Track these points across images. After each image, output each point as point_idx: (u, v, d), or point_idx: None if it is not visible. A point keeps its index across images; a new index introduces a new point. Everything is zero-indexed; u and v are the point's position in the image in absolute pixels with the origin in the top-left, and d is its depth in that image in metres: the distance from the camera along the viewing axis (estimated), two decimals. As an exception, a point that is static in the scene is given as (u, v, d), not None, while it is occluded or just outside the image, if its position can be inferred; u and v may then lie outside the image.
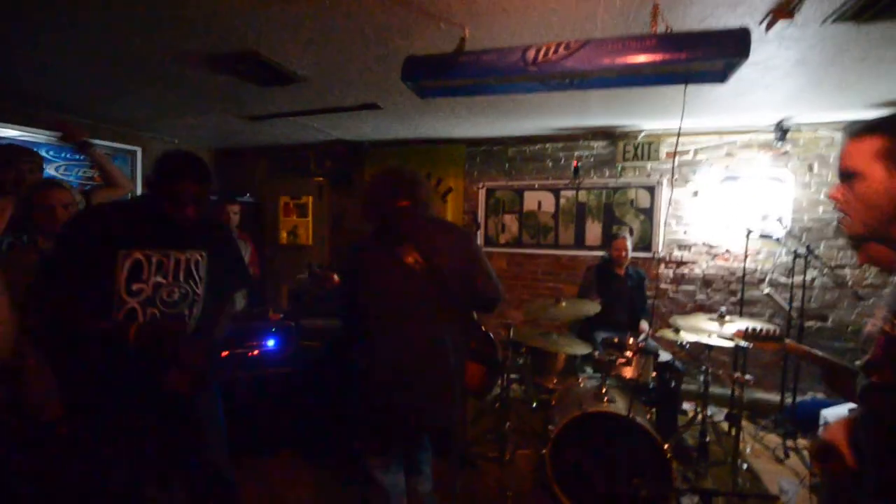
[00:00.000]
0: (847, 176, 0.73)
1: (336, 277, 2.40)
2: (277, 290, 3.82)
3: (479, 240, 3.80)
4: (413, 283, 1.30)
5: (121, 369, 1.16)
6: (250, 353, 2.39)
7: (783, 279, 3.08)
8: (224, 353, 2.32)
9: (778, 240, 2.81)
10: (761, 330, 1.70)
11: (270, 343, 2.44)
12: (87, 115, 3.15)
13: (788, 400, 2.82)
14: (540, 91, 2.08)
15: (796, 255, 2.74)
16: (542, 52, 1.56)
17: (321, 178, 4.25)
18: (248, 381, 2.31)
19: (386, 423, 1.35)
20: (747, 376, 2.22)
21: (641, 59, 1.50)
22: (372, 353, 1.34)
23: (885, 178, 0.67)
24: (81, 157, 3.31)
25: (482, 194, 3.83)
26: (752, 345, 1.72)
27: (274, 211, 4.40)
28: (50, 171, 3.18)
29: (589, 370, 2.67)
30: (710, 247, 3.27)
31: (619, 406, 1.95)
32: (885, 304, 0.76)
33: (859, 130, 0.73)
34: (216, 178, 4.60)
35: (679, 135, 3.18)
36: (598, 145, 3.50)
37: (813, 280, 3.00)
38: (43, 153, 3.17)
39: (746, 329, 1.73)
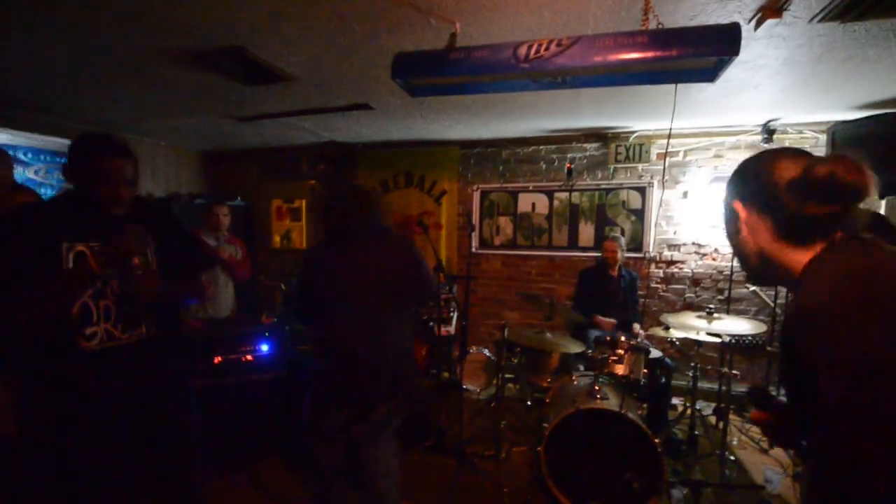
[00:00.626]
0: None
1: (283, 286, 2.55)
2: (270, 294, 3.78)
3: (474, 242, 3.83)
4: (366, 278, 1.57)
5: (82, 378, 1.13)
6: (244, 358, 2.38)
7: (769, 277, 3.16)
8: (217, 359, 2.30)
9: (764, 239, 2.87)
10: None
11: (264, 348, 2.43)
12: (67, 117, 3.06)
13: (774, 393, 2.89)
14: (532, 89, 2.09)
15: (781, 254, 2.81)
16: (533, 49, 1.58)
17: (314, 181, 4.23)
18: (242, 385, 2.30)
19: (342, 375, 1.56)
20: (734, 371, 2.28)
21: (633, 55, 1.52)
22: (334, 331, 1.59)
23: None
24: (62, 160, 3.22)
25: (476, 196, 3.85)
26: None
27: (266, 215, 4.36)
28: (29, 174, 3.10)
29: (582, 368, 2.70)
30: (699, 246, 3.34)
31: (612, 402, 1.99)
32: None
33: None
34: (206, 182, 4.58)
35: (670, 136, 3.24)
36: (591, 147, 3.55)
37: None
38: (20, 156, 3.09)
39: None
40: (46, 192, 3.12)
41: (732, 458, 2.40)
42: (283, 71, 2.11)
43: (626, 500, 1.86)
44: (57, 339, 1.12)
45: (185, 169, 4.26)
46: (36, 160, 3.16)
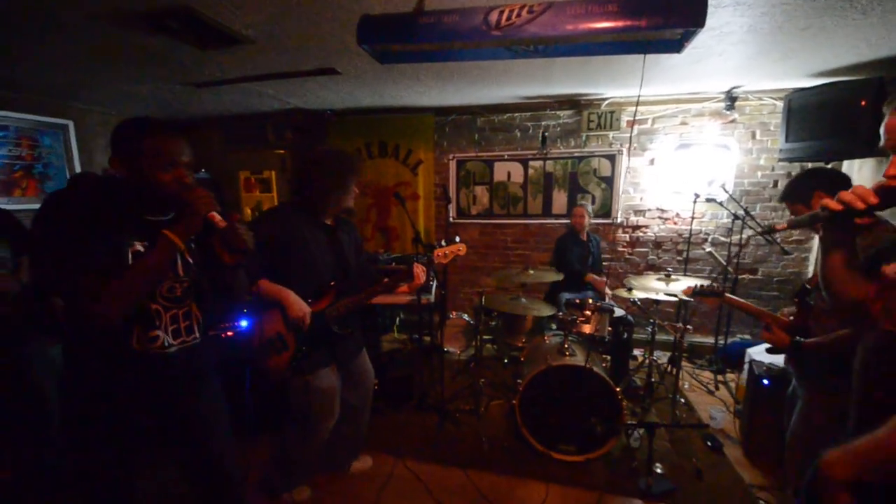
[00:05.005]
0: None
1: None
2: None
3: (452, 212, 3.87)
4: None
5: (123, 364, 1.07)
6: (223, 335, 2.40)
7: (723, 238, 3.42)
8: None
9: (721, 203, 3.08)
10: (705, 287, 1.97)
11: (244, 324, 2.45)
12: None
13: (721, 342, 3.24)
14: (505, 58, 2.07)
15: (735, 217, 3.04)
16: (504, 15, 1.56)
17: (283, 151, 4.07)
18: (224, 361, 2.33)
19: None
20: (687, 326, 2.54)
21: (603, 24, 1.54)
22: None
23: None
24: (3, 134, 2.94)
25: (453, 166, 3.84)
26: (698, 300, 2.00)
27: (234, 187, 4.20)
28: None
29: (554, 328, 2.92)
30: (662, 211, 3.54)
31: (579, 358, 2.20)
32: None
33: None
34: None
35: (638, 103, 3.31)
36: (565, 114, 3.57)
37: (748, 238, 3.36)
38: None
39: (694, 287, 1.99)
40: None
41: (683, 400, 2.73)
42: (239, 33, 1.97)
43: (590, 441, 2.12)
44: (125, 335, 1.05)
45: (142, 140, 3.98)
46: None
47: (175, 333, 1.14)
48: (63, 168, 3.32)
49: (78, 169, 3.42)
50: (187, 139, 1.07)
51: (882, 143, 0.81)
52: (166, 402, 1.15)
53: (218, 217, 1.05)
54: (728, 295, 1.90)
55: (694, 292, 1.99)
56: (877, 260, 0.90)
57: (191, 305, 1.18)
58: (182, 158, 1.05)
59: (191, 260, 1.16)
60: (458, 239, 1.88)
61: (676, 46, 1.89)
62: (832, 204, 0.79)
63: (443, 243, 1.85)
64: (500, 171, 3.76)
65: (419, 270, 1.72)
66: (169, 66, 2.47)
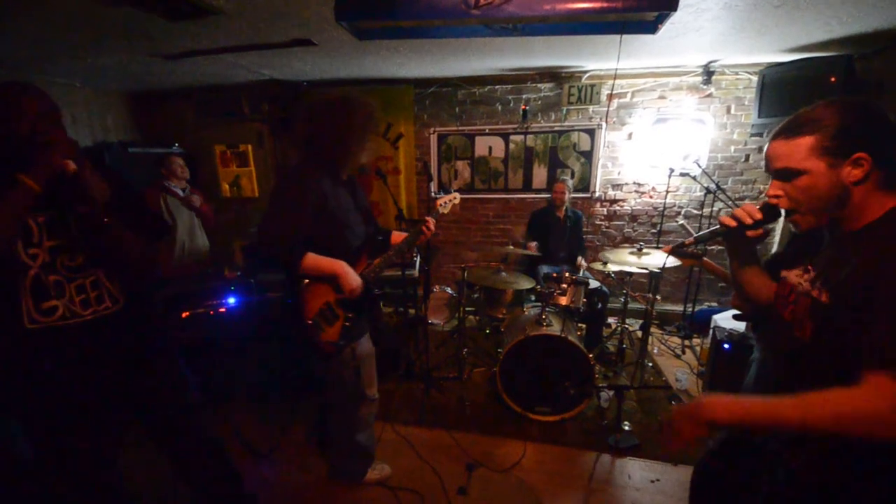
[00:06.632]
0: (789, 175, 0.80)
1: None
2: (228, 247, 3.70)
3: (433, 186, 3.87)
4: None
5: (35, 356, 1.06)
6: (211, 312, 2.43)
7: (695, 211, 3.56)
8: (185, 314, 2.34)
9: (694, 177, 3.19)
10: (686, 247, 2.10)
11: (231, 301, 2.48)
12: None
13: (690, 310, 3.45)
14: (485, 35, 2.08)
15: (708, 191, 3.16)
16: None
17: (260, 124, 3.93)
18: (214, 339, 2.38)
19: None
20: (656, 296, 2.70)
21: (580, 5, 1.57)
22: None
23: (825, 169, 0.76)
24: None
25: (434, 140, 3.80)
26: (678, 260, 2.15)
27: (210, 161, 4.06)
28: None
29: (533, 300, 3.05)
30: (639, 185, 3.63)
31: (555, 328, 2.33)
32: (815, 266, 0.83)
33: (786, 132, 0.79)
34: (136, 127, 4.11)
35: (615, 77, 3.31)
36: (546, 87, 3.55)
37: (719, 211, 3.50)
38: None
39: (674, 246, 2.12)
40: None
41: (651, 364, 2.94)
42: (210, 4, 1.88)
43: (565, 403, 2.29)
44: (12, 316, 1.02)
45: (112, 113, 3.77)
46: None
47: (84, 304, 1.12)
48: (24, 144, 3.14)
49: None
50: (37, 92, 1.04)
51: (764, 168, 0.90)
52: (101, 374, 1.14)
53: (71, 164, 1.03)
54: (706, 259, 2.04)
55: (672, 249, 2.12)
56: (777, 263, 0.98)
57: (97, 274, 1.15)
58: (22, 109, 1.01)
59: (73, 225, 1.12)
60: (452, 189, 1.99)
61: (651, 28, 1.91)
62: (727, 220, 0.91)
63: (441, 194, 1.96)
64: (482, 146, 3.75)
65: (430, 222, 1.80)
66: (138, 39, 2.34)
